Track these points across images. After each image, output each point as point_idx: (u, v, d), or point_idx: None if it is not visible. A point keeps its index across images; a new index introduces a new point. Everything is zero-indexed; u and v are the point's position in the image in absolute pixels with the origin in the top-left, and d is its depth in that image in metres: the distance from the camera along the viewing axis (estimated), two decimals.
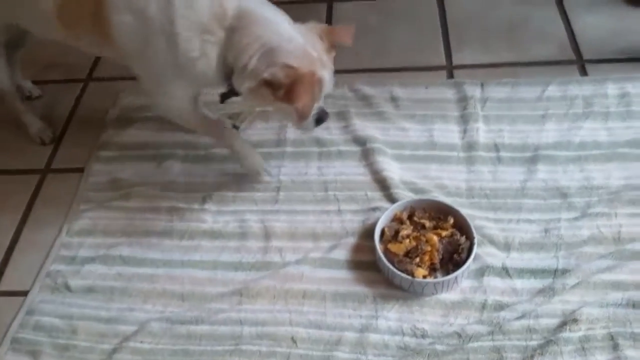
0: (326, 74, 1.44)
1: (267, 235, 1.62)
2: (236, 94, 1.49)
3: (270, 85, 1.37)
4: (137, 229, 1.67)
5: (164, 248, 1.62)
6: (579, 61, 1.99)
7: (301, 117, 1.37)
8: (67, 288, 1.57)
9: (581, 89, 1.87)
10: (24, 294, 1.57)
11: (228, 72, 1.43)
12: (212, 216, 1.68)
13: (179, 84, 1.51)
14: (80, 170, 1.85)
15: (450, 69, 2.03)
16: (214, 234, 1.64)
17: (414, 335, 1.39)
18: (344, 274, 1.52)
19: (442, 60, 2.06)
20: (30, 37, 1.80)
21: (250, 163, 1.71)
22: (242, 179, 1.75)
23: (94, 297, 1.55)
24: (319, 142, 1.83)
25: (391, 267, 1.45)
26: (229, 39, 1.40)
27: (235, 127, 1.90)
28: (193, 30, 1.39)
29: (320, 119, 1.53)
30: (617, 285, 1.40)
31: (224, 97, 1.53)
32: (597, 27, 2.08)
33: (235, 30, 1.39)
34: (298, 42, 1.40)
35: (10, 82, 1.84)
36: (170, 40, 1.40)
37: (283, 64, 1.36)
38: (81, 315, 1.51)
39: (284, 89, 1.36)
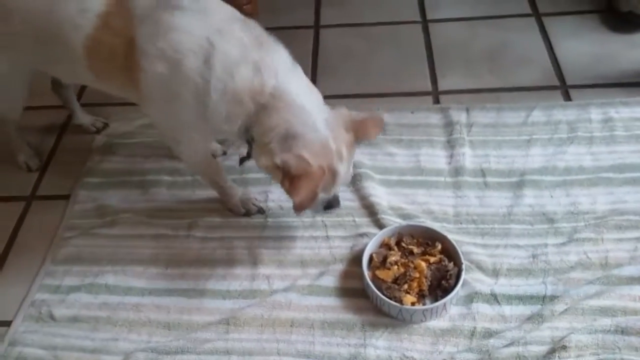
0: (342, 168, 1.42)
1: (255, 262, 1.61)
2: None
3: (281, 170, 1.37)
4: (123, 256, 1.65)
5: (150, 276, 1.60)
6: (563, 86, 2.02)
7: (296, 209, 1.37)
8: (52, 317, 1.54)
9: (565, 113, 1.89)
10: (7, 324, 1.54)
11: (249, 139, 1.43)
12: (199, 243, 1.67)
13: (199, 134, 1.52)
14: (66, 197, 1.83)
15: (436, 94, 2.05)
16: (200, 262, 1.62)
17: None
18: (332, 301, 1.51)
19: (428, 86, 2.08)
20: None
21: (240, 200, 1.72)
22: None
23: (78, 326, 1.52)
24: None
25: (379, 294, 1.45)
26: (257, 114, 1.38)
27: (224, 152, 1.90)
28: (225, 96, 1.37)
29: (329, 206, 1.52)
30: (605, 311, 1.40)
31: (242, 161, 1.53)
32: (579, 52, 2.12)
33: (266, 108, 1.38)
34: (321, 133, 1.38)
35: (20, 113, 1.82)
36: (200, 99, 1.39)
37: (298, 154, 1.35)
38: (65, 345, 1.48)
39: (288, 179, 1.36)
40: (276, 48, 1.43)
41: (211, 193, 1.77)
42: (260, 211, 1.73)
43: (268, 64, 1.38)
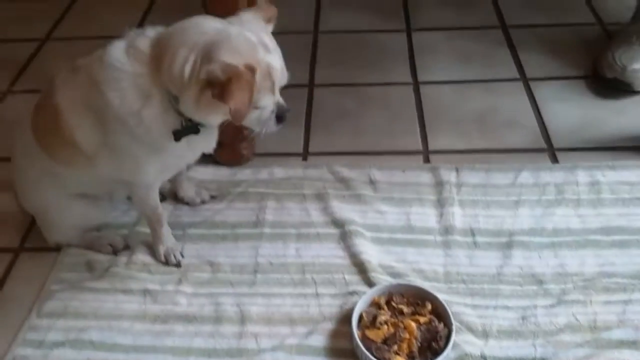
0: (273, 59, 1.33)
1: (243, 319, 1.59)
2: (194, 129, 1.44)
3: (211, 85, 1.26)
4: (109, 311, 1.62)
5: (135, 332, 1.57)
6: (550, 149, 2.06)
7: (236, 119, 1.27)
8: None
9: (553, 176, 1.92)
10: None
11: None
12: (187, 298, 1.65)
13: (149, 160, 1.52)
14: (56, 249, 1.81)
15: (426, 154, 2.08)
16: (188, 318, 1.60)
17: None
18: None
19: (419, 145, 2.12)
20: None
21: (165, 248, 1.74)
22: (220, 260, 1.74)
23: None
24: (296, 224, 1.83)
25: (369, 355, 1.43)
26: (156, 68, 1.33)
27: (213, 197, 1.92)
28: (121, 82, 1.36)
29: (280, 116, 1.43)
30: None
31: (178, 135, 1.43)
32: (566, 116, 2.17)
33: (157, 55, 1.33)
34: (232, 30, 1.30)
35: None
36: (109, 114, 1.41)
37: (221, 61, 1.25)
38: None
39: (218, 88, 1.25)
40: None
41: (201, 246, 1.78)
42: (177, 265, 1.73)
43: (139, 39, 1.38)
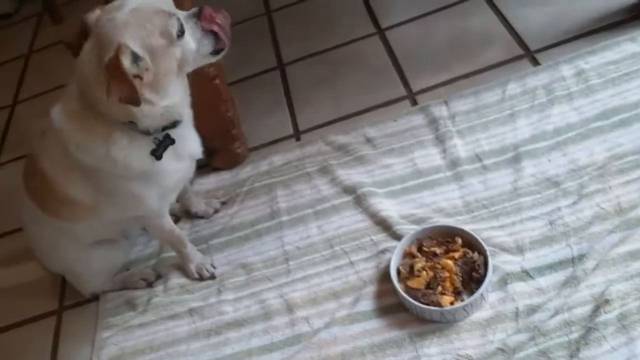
0: (129, 2, 1.29)
1: (290, 308, 1.63)
2: (169, 140, 1.46)
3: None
4: (164, 340, 1.67)
5: (194, 351, 1.62)
6: (528, 53, 2.06)
7: (132, 102, 1.28)
8: None
9: (538, 78, 1.92)
10: None
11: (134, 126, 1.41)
12: (232, 305, 1.69)
13: (148, 190, 1.54)
14: (95, 299, 1.85)
15: (412, 97, 2.09)
16: (238, 323, 1.64)
17: None
18: (374, 323, 1.52)
19: (402, 91, 2.12)
20: None
21: (195, 265, 1.77)
22: (250, 260, 1.78)
23: None
24: (311, 203, 1.86)
25: (417, 303, 1.47)
26: (94, 111, 1.39)
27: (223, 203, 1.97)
28: (76, 139, 1.43)
29: (202, 13, 1.36)
30: (634, 255, 1.42)
31: (157, 153, 1.45)
32: (533, 17, 2.16)
33: (87, 104, 1.39)
34: (97, 32, 1.32)
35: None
36: (87, 168, 1.46)
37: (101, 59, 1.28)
38: None
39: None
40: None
41: (227, 254, 1.81)
42: (212, 277, 1.76)
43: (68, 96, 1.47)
